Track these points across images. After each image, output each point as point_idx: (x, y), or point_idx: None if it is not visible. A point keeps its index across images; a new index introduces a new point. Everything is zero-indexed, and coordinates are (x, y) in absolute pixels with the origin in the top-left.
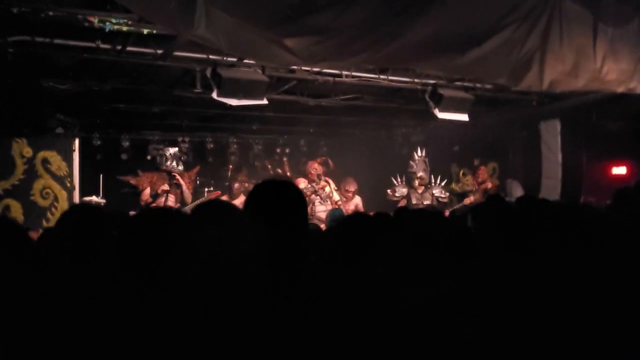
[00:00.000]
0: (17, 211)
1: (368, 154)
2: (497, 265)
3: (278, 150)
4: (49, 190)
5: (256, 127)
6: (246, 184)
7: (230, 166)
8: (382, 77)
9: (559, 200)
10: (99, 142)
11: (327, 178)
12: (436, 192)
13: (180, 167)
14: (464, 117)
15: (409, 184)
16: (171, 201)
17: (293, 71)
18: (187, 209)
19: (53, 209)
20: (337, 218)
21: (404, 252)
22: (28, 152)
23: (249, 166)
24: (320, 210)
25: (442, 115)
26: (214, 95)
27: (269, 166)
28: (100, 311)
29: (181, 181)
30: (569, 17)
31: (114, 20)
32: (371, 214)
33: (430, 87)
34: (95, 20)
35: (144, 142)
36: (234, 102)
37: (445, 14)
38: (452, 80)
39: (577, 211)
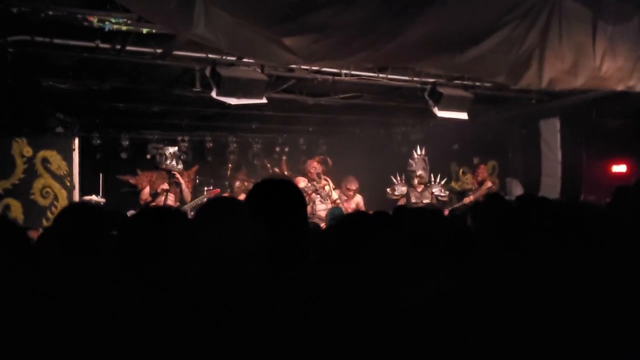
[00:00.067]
0: (17, 210)
1: (367, 153)
2: (497, 264)
3: (277, 149)
4: (48, 190)
5: (255, 126)
6: (246, 183)
7: (230, 165)
8: (381, 75)
9: (558, 198)
10: (98, 142)
11: (325, 177)
12: (436, 190)
13: (180, 166)
14: (464, 116)
15: (409, 183)
16: (171, 200)
17: (292, 70)
18: (187, 207)
19: (53, 208)
20: (337, 217)
21: (403, 252)
22: (28, 151)
23: (248, 165)
24: (321, 209)
25: (441, 113)
26: (213, 94)
27: (268, 165)
28: (100, 311)
29: (181, 180)
30: (568, 15)
31: (113, 20)
32: (370, 212)
33: (429, 86)
34: (94, 20)
35: (144, 141)
36: (233, 101)
37: (445, 12)
38: (452, 78)
39: (577, 210)
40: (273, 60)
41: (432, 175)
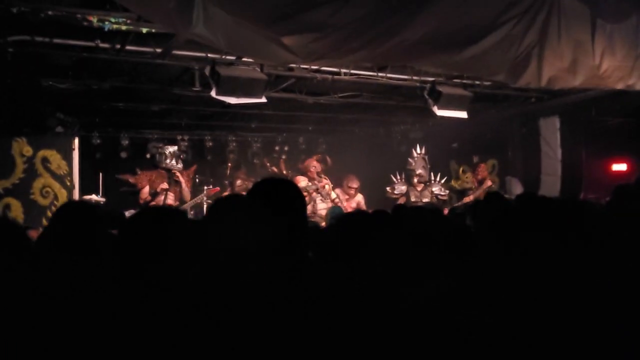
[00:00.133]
0: (17, 210)
1: (367, 152)
2: (497, 264)
3: (277, 148)
4: (48, 189)
5: (255, 125)
6: (246, 182)
7: (229, 164)
8: (380, 74)
9: (558, 197)
10: (98, 141)
11: (324, 176)
12: (435, 189)
13: (180, 165)
14: (463, 114)
15: (408, 182)
16: (170, 199)
17: (292, 69)
18: (186, 206)
19: (53, 208)
20: (337, 216)
21: (403, 251)
22: (28, 151)
23: (247, 164)
24: (322, 208)
25: (440, 112)
26: (213, 93)
27: (268, 164)
28: (100, 311)
29: (181, 178)
30: (567, 14)
31: (113, 20)
32: (370, 211)
33: (428, 85)
34: (94, 20)
35: (144, 140)
36: (232, 100)
37: (444, 11)
38: (451, 77)
39: (576, 209)
40: (272, 60)
41: (432, 174)
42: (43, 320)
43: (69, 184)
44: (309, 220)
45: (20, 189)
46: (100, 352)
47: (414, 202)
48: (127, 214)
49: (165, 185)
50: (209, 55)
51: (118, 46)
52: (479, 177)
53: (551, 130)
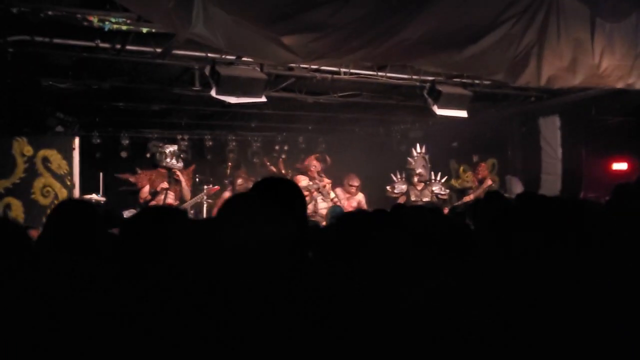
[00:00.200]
0: (17, 209)
1: (367, 151)
2: (497, 263)
3: (277, 147)
4: (49, 189)
5: (255, 125)
6: (247, 181)
7: (229, 163)
8: (380, 74)
9: (559, 196)
10: (98, 141)
11: (323, 175)
12: (436, 188)
13: (180, 164)
14: (463, 114)
15: (409, 181)
16: (171, 198)
17: (291, 68)
18: (187, 205)
19: None
20: (338, 215)
21: (403, 251)
22: (28, 150)
23: (247, 163)
24: (322, 207)
25: (440, 111)
26: (213, 93)
27: (268, 163)
28: (100, 312)
29: (181, 177)
30: (566, 13)
31: (113, 20)
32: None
33: (428, 84)
34: (94, 20)
35: (144, 140)
36: (232, 99)
37: (443, 10)
38: (451, 76)
39: (576, 208)
40: (272, 59)
41: (432, 173)
42: (43, 320)
43: (69, 183)
44: (310, 220)
45: (21, 188)
46: (101, 352)
47: (414, 201)
48: (127, 213)
49: (165, 185)
50: (209, 55)
51: (118, 46)
52: (480, 176)
53: (551, 129)
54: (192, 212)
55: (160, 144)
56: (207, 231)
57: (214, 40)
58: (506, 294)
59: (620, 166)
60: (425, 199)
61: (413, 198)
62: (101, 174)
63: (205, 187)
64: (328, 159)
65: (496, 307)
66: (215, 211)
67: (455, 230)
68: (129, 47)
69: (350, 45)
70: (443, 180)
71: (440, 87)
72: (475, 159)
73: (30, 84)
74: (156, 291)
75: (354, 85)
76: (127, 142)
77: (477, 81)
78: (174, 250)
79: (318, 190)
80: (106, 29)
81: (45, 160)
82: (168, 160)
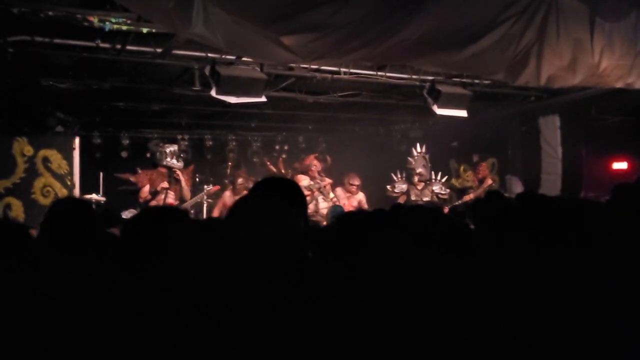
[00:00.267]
0: (18, 209)
1: (367, 151)
2: (497, 263)
3: (277, 147)
4: (49, 189)
5: (255, 124)
6: (247, 181)
7: (229, 163)
8: (380, 73)
9: (559, 196)
10: (98, 141)
11: (324, 174)
12: (436, 188)
13: (180, 164)
14: (463, 113)
15: (409, 180)
16: (171, 198)
17: (291, 68)
18: (187, 205)
19: None
20: (338, 215)
21: (403, 250)
22: (29, 150)
23: (247, 163)
24: (324, 207)
25: (440, 111)
26: (213, 93)
27: (268, 163)
28: (100, 311)
29: (181, 177)
30: (565, 12)
31: (113, 20)
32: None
33: (428, 84)
34: (95, 20)
35: (144, 140)
36: (232, 99)
37: (443, 10)
38: (450, 76)
39: (576, 208)
40: (272, 59)
41: (432, 172)
42: (44, 320)
43: (69, 183)
44: (310, 220)
45: (21, 188)
46: (101, 352)
47: (414, 200)
48: (127, 213)
49: (165, 184)
50: (209, 55)
51: (119, 46)
52: (480, 175)
53: (551, 128)
54: (192, 212)
55: (160, 144)
56: (219, 231)
57: (214, 40)
58: (506, 293)
59: (621, 165)
60: (426, 199)
61: (413, 197)
62: (101, 173)
63: (206, 186)
64: (328, 158)
65: (496, 306)
66: (226, 210)
67: (456, 230)
68: (129, 47)
69: (350, 45)
70: (443, 180)
71: (440, 87)
72: (475, 158)
73: (30, 84)
74: (157, 291)
75: (354, 85)
76: (127, 141)
77: (476, 81)
78: (175, 250)
79: (319, 190)
80: (107, 29)
81: (46, 160)
82: (168, 159)
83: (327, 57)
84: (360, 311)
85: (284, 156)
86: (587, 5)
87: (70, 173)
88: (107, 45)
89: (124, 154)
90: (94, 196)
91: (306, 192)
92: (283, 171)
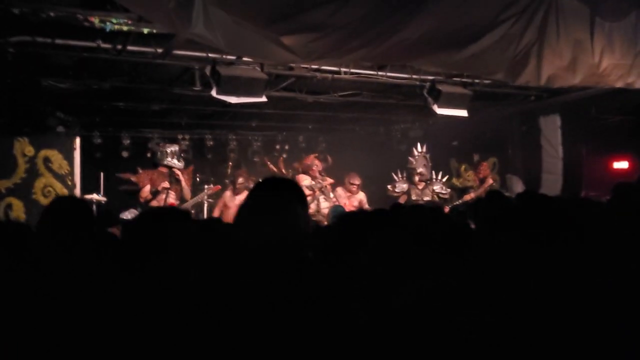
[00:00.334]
0: (19, 210)
1: (367, 150)
2: (498, 262)
3: (277, 146)
4: (50, 189)
5: (255, 124)
6: (248, 181)
7: (230, 163)
8: (380, 73)
9: (559, 195)
10: (99, 141)
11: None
12: (437, 187)
13: (181, 163)
14: (463, 113)
15: (410, 180)
16: (172, 198)
17: (292, 68)
18: (188, 205)
19: None
20: (339, 214)
21: (403, 250)
22: (30, 150)
23: (248, 163)
24: (325, 207)
25: (440, 111)
26: (213, 93)
27: (268, 163)
28: (101, 311)
29: (181, 177)
30: (565, 12)
31: (114, 20)
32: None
33: (428, 83)
34: (96, 21)
35: (144, 140)
36: (233, 99)
37: (443, 10)
38: (450, 76)
39: (577, 207)
40: (272, 59)
41: (433, 172)
42: (45, 320)
43: (70, 183)
44: (311, 219)
45: (22, 188)
46: (102, 351)
47: (415, 200)
48: (127, 213)
49: (166, 184)
50: (209, 55)
51: (119, 46)
52: (481, 175)
53: (551, 128)
54: (193, 211)
55: (161, 144)
56: (220, 231)
57: (214, 41)
58: (506, 293)
59: (621, 165)
60: (426, 198)
61: (414, 197)
62: (102, 173)
63: (206, 186)
64: (329, 158)
65: (496, 306)
66: (227, 211)
67: (456, 230)
68: (129, 48)
69: (350, 45)
70: (444, 180)
71: (440, 87)
72: (475, 158)
73: (31, 84)
74: (157, 290)
75: (354, 84)
76: (127, 141)
77: (477, 80)
78: (175, 249)
79: (321, 189)
80: (107, 30)
81: (47, 160)
82: (169, 159)
83: (327, 57)
84: (360, 311)
85: (284, 156)
86: (587, 5)
87: (71, 173)
88: (107, 46)
89: (124, 154)
90: (94, 196)
91: (308, 192)
92: (283, 171)
